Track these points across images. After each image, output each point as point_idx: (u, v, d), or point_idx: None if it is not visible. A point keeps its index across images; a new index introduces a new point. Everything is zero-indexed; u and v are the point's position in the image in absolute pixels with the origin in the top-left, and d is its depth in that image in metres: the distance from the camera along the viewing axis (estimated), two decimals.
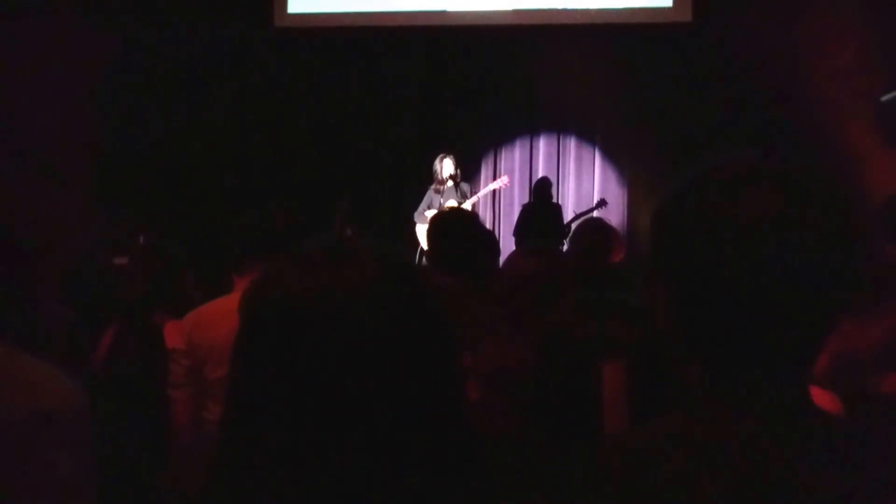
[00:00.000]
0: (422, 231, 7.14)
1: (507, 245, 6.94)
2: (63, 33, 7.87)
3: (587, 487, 0.89)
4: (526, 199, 8.04)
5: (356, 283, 0.90)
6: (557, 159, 8.63)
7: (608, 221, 4.87)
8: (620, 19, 7.79)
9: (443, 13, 8.09)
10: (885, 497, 0.83)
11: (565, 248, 6.44)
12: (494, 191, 8.31)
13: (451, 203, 7.17)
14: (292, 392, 0.88)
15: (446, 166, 7.35)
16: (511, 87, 8.30)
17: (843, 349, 1.98)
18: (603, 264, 3.78)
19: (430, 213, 7.05)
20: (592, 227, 4.09)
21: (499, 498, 0.93)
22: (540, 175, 8.26)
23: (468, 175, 7.96)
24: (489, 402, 1.93)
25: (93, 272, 3.15)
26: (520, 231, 7.35)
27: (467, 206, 7.25)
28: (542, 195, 7.56)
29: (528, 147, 8.70)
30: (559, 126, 8.58)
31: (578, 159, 8.60)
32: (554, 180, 8.16)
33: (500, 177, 8.14)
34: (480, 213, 8.35)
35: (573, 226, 7.18)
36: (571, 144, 8.61)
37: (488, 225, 8.37)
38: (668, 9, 7.73)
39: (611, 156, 8.41)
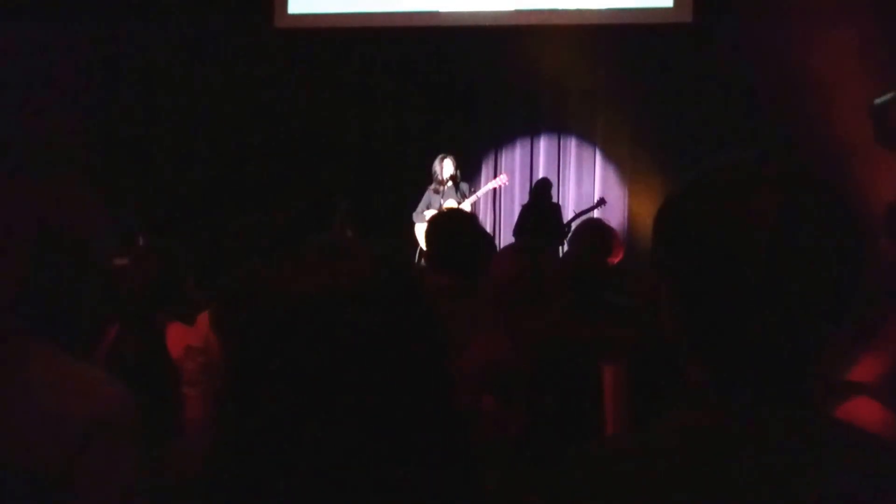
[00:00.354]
0: (420, 231, 7.14)
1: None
2: (63, 33, 7.87)
3: (588, 489, 0.89)
4: (526, 200, 8.04)
5: (349, 282, 0.90)
6: (558, 160, 8.63)
7: (607, 222, 4.87)
8: (621, 20, 7.79)
9: (444, 14, 8.09)
10: (886, 498, 0.83)
11: (566, 247, 6.45)
12: (495, 191, 8.31)
13: (451, 203, 7.17)
14: (284, 390, 0.88)
15: (446, 167, 7.35)
16: (511, 87, 8.30)
17: None
18: (602, 265, 3.78)
19: (429, 214, 7.05)
20: (592, 228, 4.09)
21: (495, 497, 0.93)
22: (540, 176, 8.27)
23: (469, 176, 7.97)
24: (477, 403, 1.93)
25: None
26: (519, 231, 7.36)
27: (466, 205, 7.25)
28: (541, 195, 7.56)
29: (529, 147, 8.70)
30: (560, 126, 8.58)
31: (579, 160, 8.60)
32: (554, 181, 8.16)
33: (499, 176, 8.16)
34: (481, 213, 8.35)
35: (573, 225, 7.19)
36: (572, 145, 8.61)
37: (489, 225, 8.38)
38: (669, 9, 7.74)
39: (611, 156, 8.41)
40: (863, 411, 1.40)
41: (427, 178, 7.47)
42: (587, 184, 8.53)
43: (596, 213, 7.47)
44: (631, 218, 8.20)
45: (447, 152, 7.47)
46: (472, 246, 2.82)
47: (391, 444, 0.88)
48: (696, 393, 0.91)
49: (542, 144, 8.70)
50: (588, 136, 8.50)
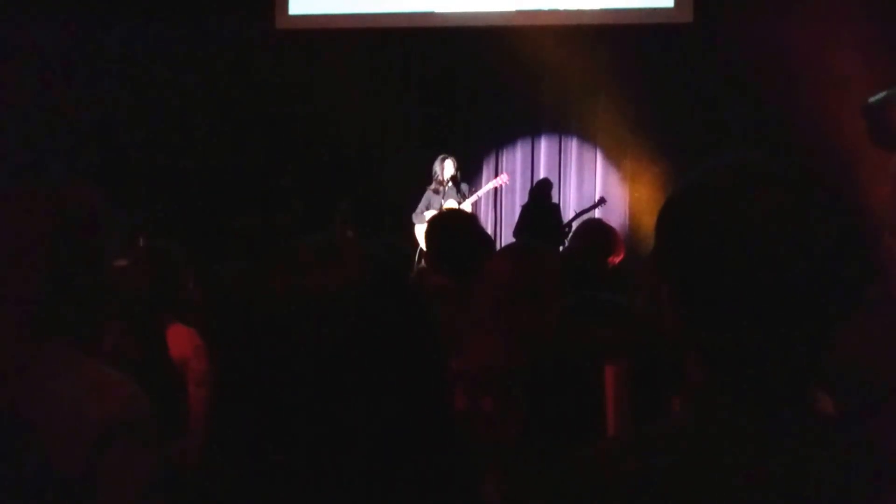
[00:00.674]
0: (420, 232, 7.14)
1: None
2: (63, 34, 7.87)
3: (590, 490, 0.89)
4: (527, 201, 8.04)
5: (340, 284, 0.90)
6: (559, 160, 8.63)
7: (608, 222, 4.87)
8: (622, 20, 7.79)
9: (445, 14, 8.09)
10: (886, 500, 0.83)
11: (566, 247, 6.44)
12: (496, 192, 8.31)
13: (451, 203, 7.17)
14: (273, 394, 0.88)
15: (447, 167, 7.35)
16: (512, 88, 8.29)
17: None
18: (603, 264, 3.78)
19: (429, 214, 7.05)
20: (594, 227, 4.10)
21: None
22: (541, 176, 8.27)
23: (469, 176, 7.97)
24: (476, 405, 1.92)
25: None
26: (520, 231, 7.37)
27: (467, 205, 7.25)
28: (540, 196, 7.56)
29: (530, 148, 8.70)
30: (560, 127, 8.57)
31: (580, 160, 8.59)
32: (555, 181, 8.16)
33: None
34: (482, 213, 8.36)
35: (573, 225, 7.19)
36: (573, 145, 8.60)
37: (490, 225, 8.38)
38: (670, 9, 7.74)
39: (612, 156, 8.41)
40: None
41: (427, 178, 7.47)
42: (588, 184, 8.53)
43: (596, 213, 7.48)
44: (632, 218, 8.20)
45: (448, 153, 7.47)
46: (472, 247, 2.82)
47: (385, 447, 0.88)
48: (697, 394, 0.91)
49: (543, 145, 8.69)
50: (589, 137, 8.50)
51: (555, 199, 7.83)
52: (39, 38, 7.78)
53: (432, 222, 3.11)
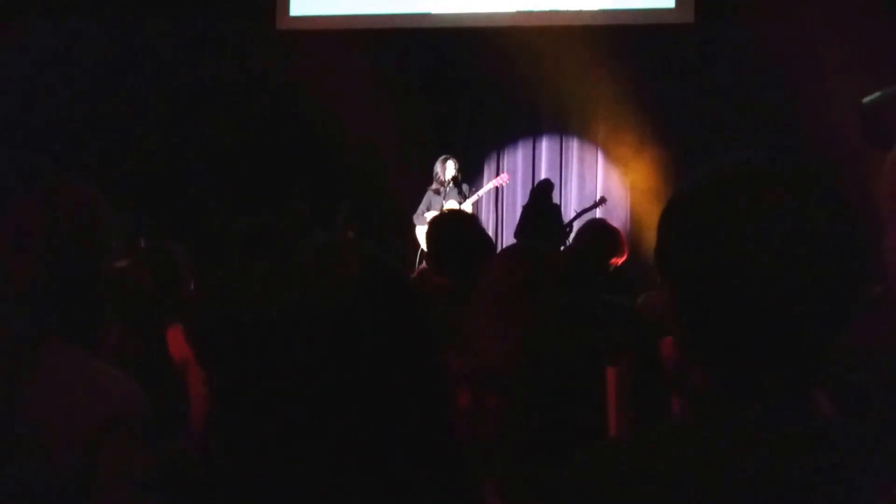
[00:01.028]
0: (422, 233, 7.14)
1: None
2: (63, 35, 7.87)
3: (592, 491, 0.88)
4: (528, 201, 8.04)
5: (338, 285, 0.90)
6: (560, 161, 8.63)
7: (609, 222, 4.88)
8: (623, 20, 7.79)
9: (447, 16, 8.09)
10: (886, 499, 0.83)
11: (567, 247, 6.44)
12: (497, 193, 8.30)
13: (452, 204, 7.17)
14: (272, 393, 0.88)
15: (448, 168, 7.35)
16: (513, 88, 8.29)
17: None
18: (606, 265, 3.80)
19: (430, 215, 7.05)
20: (599, 228, 4.11)
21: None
22: (542, 177, 8.26)
23: (471, 177, 7.96)
24: (479, 404, 1.92)
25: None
26: (521, 232, 7.37)
27: (467, 206, 7.25)
28: (541, 196, 7.56)
29: (531, 148, 8.70)
30: (562, 127, 8.57)
31: (581, 160, 8.59)
32: (557, 182, 8.16)
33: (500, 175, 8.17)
34: (483, 214, 8.35)
35: (574, 224, 7.19)
36: (574, 146, 8.60)
37: (491, 226, 8.38)
38: (671, 10, 7.73)
39: (613, 157, 8.40)
40: None
41: (428, 179, 7.47)
42: (589, 184, 8.52)
43: (597, 213, 7.48)
44: (633, 219, 8.19)
45: (449, 153, 7.47)
46: (473, 247, 2.82)
47: (384, 447, 0.88)
48: (699, 395, 0.91)
49: (544, 145, 8.69)
50: (590, 137, 8.49)
51: (556, 200, 7.83)
52: (40, 39, 7.79)
53: (433, 223, 3.11)
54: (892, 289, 1.14)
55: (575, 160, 8.60)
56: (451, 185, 7.33)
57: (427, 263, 3.22)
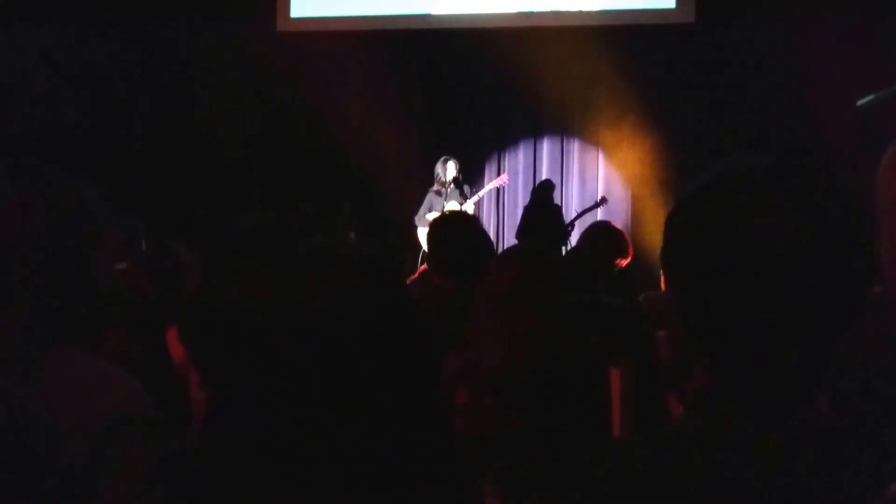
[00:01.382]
0: (423, 234, 7.14)
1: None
2: (62, 37, 7.88)
3: (594, 492, 0.88)
4: (529, 202, 8.04)
5: (331, 286, 0.89)
6: (561, 161, 8.63)
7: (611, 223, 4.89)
8: (623, 21, 7.79)
9: (448, 17, 8.10)
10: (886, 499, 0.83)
11: (569, 248, 6.45)
12: (498, 193, 8.30)
13: (453, 205, 7.18)
14: (268, 394, 0.88)
15: (449, 169, 7.35)
16: (514, 89, 8.29)
17: None
18: (610, 267, 3.82)
19: (431, 216, 7.05)
20: (604, 230, 4.13)
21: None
22: (543, 177, 8.26)
23: (472, 178, 7.96)
24: (478, 403, 1.92)
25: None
26: (522, 233, 7.37)
27: (468, 207, 7.25)
28: (542, 197, 7.56)
29: (532, 149, 8.70)
30: (563, 128, 8.57)
31: (582, 161, 8.59)
32: (558, 182, 8.16)
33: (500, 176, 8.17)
34: (484, 215, 8.36)
35: (575, 225, 7.19)
36: (575, 146, 8.60)
37: (492, 227, 8.38)
38: (672, 10, 7.73)
39: (615, 158, 8.40)
40: None
41: (429, 180, 7.47)
42: (591, 185, 8.52)
43: (598, 213, 7.48)
44: (635, 219, 8.19)
45: (450, 154, 7.47)
46: (474, 249, 2.82)
47: (381, 448, 0.88)
48: (703, 396, 0.91)
49: (545, 146, 8.69)
50: (591, 138, 8.49)
51: (557, 200, 7.83)
52: (42, 39, 7.79)
53: (434, 224, 3.11)
54: (889, 289, 1.14)
55: (576, 160, 8.60)
56: (451, 186, 7.33)
57: (428, 265, 3.22)
